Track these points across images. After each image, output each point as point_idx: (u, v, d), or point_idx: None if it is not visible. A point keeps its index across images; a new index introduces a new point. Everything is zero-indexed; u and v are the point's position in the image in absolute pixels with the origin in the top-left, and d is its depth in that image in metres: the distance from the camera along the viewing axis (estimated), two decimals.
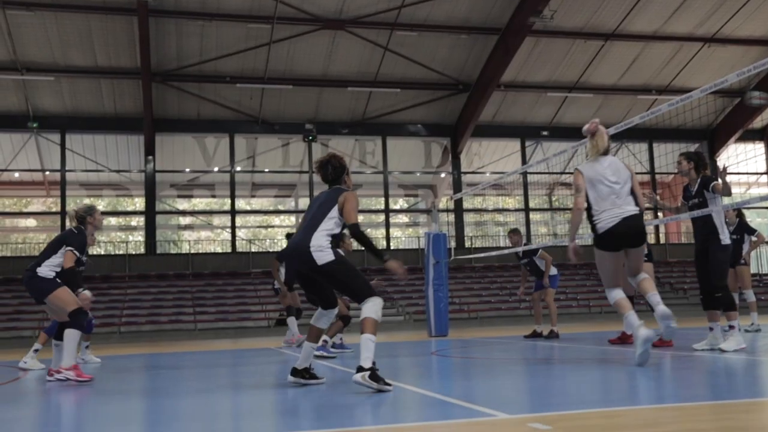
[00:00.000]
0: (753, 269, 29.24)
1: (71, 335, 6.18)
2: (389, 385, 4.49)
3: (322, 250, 4.85)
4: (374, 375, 4.47)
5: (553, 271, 11.04)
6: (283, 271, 11.12)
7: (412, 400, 4.26)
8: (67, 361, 6.21)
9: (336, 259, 4.88)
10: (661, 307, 5.67)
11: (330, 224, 4.97)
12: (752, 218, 30.69)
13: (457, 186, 27.10)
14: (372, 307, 4.76)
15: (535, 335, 11.12)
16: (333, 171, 5.20)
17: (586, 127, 6.08)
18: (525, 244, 11.26)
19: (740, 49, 25.25)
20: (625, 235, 5.77)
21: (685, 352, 7.13)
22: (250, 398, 4.76)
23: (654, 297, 5.81)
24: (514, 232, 11.40)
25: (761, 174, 30.82)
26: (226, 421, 3.94)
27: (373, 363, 4.54)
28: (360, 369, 4.50)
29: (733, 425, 3.13)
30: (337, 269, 4.87)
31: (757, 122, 29.04)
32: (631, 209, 5.80)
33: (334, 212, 4.99)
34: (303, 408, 4.27)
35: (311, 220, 5.02)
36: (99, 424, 3.94)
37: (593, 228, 5.90)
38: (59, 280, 6.39)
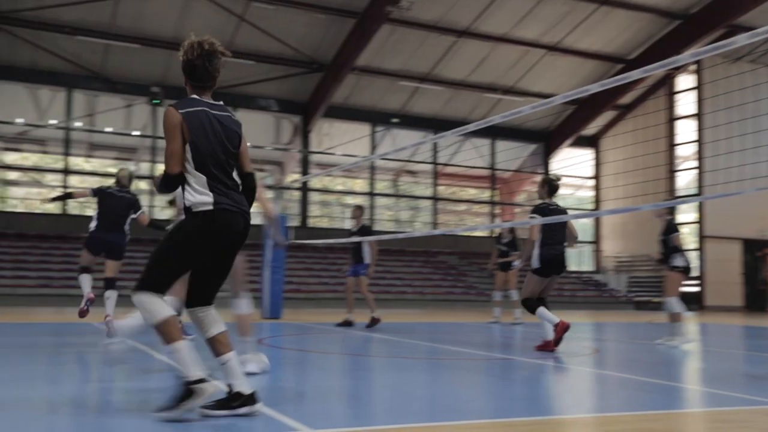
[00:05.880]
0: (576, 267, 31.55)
1: None
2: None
3: None
4: None
5: (366, 260, 11.45)
6: None
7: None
8: None
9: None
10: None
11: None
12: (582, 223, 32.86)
13: (305, 164, 27.06)
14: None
15: (346, 323, 11.44)
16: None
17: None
18: (365, 225, 11.60)
19: (577, 60, 26.93)
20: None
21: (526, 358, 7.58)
22: (66, 387, 4.54)
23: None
24: (357, 208, 11.80)
25: (588, 178, 33.17)
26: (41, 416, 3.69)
27: None
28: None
29: None
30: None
31: (590, 129, 31.17)
32: None
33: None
34: (117, 402, 4.14)
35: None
36: None
37: None
38: None
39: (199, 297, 3.79)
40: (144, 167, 26.20)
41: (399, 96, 27.53)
